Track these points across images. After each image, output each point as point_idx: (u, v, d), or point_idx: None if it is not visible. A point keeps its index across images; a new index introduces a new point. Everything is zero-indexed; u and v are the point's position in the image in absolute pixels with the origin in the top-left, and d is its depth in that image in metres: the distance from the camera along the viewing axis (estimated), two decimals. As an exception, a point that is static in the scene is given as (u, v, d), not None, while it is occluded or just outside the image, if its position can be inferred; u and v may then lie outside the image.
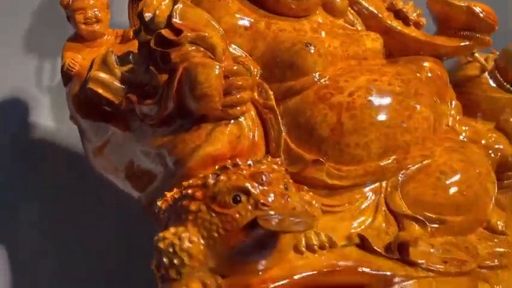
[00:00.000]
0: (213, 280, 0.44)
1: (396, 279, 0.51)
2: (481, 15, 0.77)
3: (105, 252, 0.86)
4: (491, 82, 0.90)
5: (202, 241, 0.42)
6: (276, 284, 0.46)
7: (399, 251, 0.53)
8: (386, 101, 0.61)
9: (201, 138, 0.59)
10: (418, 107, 0.62)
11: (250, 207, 0.41)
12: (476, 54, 0.86)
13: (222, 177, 0.45)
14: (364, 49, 0.69)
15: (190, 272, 0.44)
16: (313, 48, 0.64)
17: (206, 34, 0.59)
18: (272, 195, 0.43)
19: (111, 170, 0.75)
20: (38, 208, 0.93)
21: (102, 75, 0.64)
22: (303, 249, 0.51)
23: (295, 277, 0.47)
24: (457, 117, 0.81)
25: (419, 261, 0.53)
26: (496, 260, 0.57)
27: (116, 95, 0.65)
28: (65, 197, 0.93)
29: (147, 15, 0.60)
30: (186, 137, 0.60)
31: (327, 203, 0.59)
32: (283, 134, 0.63)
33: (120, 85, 0.64)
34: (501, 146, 0.83)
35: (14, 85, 0.91)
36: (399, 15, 0.77)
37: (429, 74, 0.77)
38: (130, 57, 0.67)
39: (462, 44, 0.79)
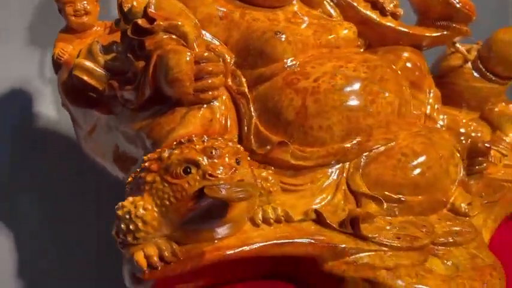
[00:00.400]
0: (168, 246, 0.48)
1: (347, 251, 0.53)
2: (458, 5, 0.79)
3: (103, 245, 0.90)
4: (474, 72, 0.91)
5: (155, 209, 0.47)
6: (230, 252, 0.49)
7: (351, 225, 0.56)
8: (350, 86, 0.64)
9: (175, 121, 0.63)
10: (382, 92, 0.65)
11: (198, 177, 0.45)
12: (458, 45, 0.88)
13: (175, 151, 0.49)
14: (337, 38, 0.72)
15: (145, 237, 0.48)
16: (283, 36, 0.67)
17: (179, 23, 0.63)
18: (221, 167, 0.47)
19: (101, 154, 0.80)
20: (38, 199, 0.97)
21: (87, 63, 0.69)
22: (259, 221, 0.55)
23: (248, 246, 0.50)
24: (436, 106, 0.82)
25: (371, 236, 0.55)
26: (450, 238, 0.59)
27: (100, 82, 0.70)
28: (65, 186, 0.98)
29: (126, 6, 0.64)
30: (162, 120, 0.64)
31: (291, 182, 0.62)
32: (254, 118, 0.67)
33: (103, 72, 0.69)
34: (478, 134, 0.85)
35: (17, 77, 0.96)
36: (376, 6, 0.79)
37: (407, 64, 0.79)
38: (114, 46, 0.72)
39: (439, 34, 0.81)
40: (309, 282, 0.56)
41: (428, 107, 0.82)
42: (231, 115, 0.67)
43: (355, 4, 0.79)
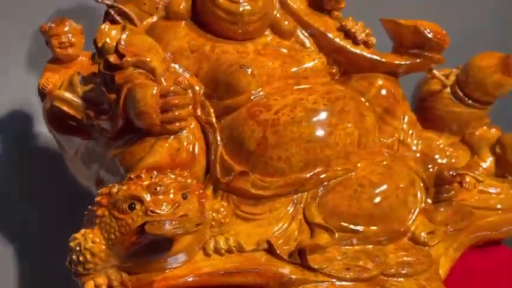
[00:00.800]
0: (118, 275, 0.52)
1: (293, 282, 0.56)
2: (429, 35, 0.80)
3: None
4: (453, 97, 0.92)
5: (103, 242, 0.50)
6: (178, 281, 0.52)
7: (299, 256, 0.58)
8: (309, 118, 0.67)
9: (145, 150, 0.67)
10: (340, 123, 0.67)
11: (141, 213, 0.49)
12: (434, 71, 0.89)
13: (123, 187, 0.53)
14: (304, 69, 0.75)
15: (94, 268, 0.51)
16: (248, 70, 0.70)
17: (147, 59, 0.67)
18: (164, 204, 0.50)
19: (85, 177, 0.84)
20: (38, 216, 1.03)
21: (66, 94, 0.74)
22: (211, 252, 0.58)
23: (197, 276, 0.53)
24: (410, 131, 0.84)
25: (319, 267, 0.58)
26: (401, 269, 0.61)
27: (78, 111, 0.74)
28: (63, 203, 1.03)
29: (100, 42, 0.69)
30: (133, 149, 0.68)
31: (251, 211, 0.65)
32: (220, 147, 0.70)
33: (81, 102, 0.73)
34: (453, 160, 0.86)
35: (16, 95, 1.02)
36: (349, 35, 0.82)
37: (382, 91, 0.82)
38: (93, 77, 0.76)
39: (410, 61, 0.83)
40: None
41: (402, 133, 0.83)
42: (199, 144, 0.70)
43: (327, 34, 0.81)
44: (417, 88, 0.98)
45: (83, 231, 0.52)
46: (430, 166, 0.75)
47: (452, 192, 0.76)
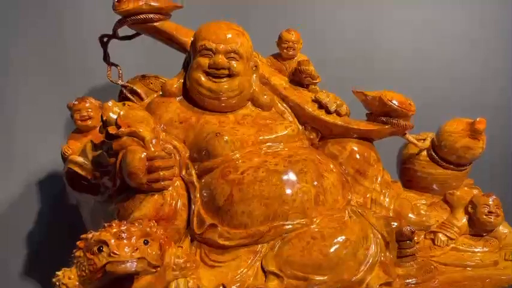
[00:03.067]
0: None
1: None
2: (394, 105, 0.90)
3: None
4: (429, 160, 1.00)
5: (77, 278, 0.63)
6: None
7: None
8: (269, 178, 0.78)
9: (135, 205, 0.81)
10: (298, 183, 0.77)
11: (106, 255, 0.61)
12: (408, 135, 0.98)
13: (96, 233, 0.66)
14: (276, 136, 0.87)
15: None
16: (225, 137, 0.84)
17: (139, 130, 0.82)
18: (126, 247, 0.63)
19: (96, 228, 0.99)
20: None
21: (79, 158, 0.90)
22: None
23: None
24: (383, 191, 0.92)
25: None
26: None
27: (88, 172, 0.90)
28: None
29: (104, 116, 0.85)
30: (126, 204, 0.82)
31: (217, 259, 0.76)
32: (198, 204, 0.82)
33: (90, 166, 0.89)
34: (423, 219, 0.92)
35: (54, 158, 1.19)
36: (321, 105, 0.94)
37: (354, 154, 0.92)
38: (101, 145, 0.92)
39: (377, 127, 0.93)
40: None
41: (374, 192, 0.92)
42: (182, 200, 0.83)
43: (303, 106, 0.93)
44: (399, 152, 1.06)
45: (63, 269, 0.65)
46: (393, 223, 0.81)
47: (415, 247, 0.82)
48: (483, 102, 1.38)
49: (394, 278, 0.76)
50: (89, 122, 0.99)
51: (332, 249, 0.73)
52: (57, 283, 0.62)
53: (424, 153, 0.98)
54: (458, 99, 1.34)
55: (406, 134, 0.96)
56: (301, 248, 0.73)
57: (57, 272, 0.64)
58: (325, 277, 0.72)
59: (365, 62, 1.35)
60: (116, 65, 1.01)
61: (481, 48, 1.41)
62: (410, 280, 0.79)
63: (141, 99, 1.00)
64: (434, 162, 0.97)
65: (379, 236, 0.79)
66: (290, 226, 0.75)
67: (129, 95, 1.00)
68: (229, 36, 0.84)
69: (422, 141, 0.98)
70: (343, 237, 0.74)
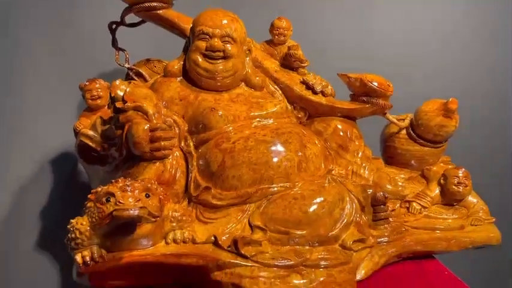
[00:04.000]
0: (99, 251, 0.75)
1: (227, 264, 0.76)
2: (374, 86, 1.00)
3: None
4: (408, 138, 1.10)
5: (88, 224, 0.74)
6: (138, 257, 0.74)
7: (234, 245, 0.78)
8: (257, 146, 0.88)
9: (139, 172, 0.91)
10: (282, 151, 0.88)
11: (113, 204, 0.72)
12: (388, 115, 1.08)
13: (104, 187, 0.76)
14: (266, 112, 0.97)
15: (81, 243, 0.75)
16: (219, 112, 0.94)
17: (143, 104, 0.93)
18: (130, 198, 0.73)
19: None
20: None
21: (89, 132, 1.01)
22: (170, 241, 0.79)
23: (153, 256, 0.75)
24: (363, 164, 1.02)
25: (250, 255, 0.77)
26: (319, 262, 0.78)
27: (97, 144, 1.01)
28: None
29: (112, 93, 0.96)
30: (131, 171, 0.92)
31: (210, 216, 0.86)
32: (195, 171, 0.93)
33: (99, 138, 1.00)
34: (399, 188, 1.02)
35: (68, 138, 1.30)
36: (308, 86, 1.04)
37: (337, 131, 1.02)
38: (110, 120, 1.03)
39: (358, 106, 1.03)
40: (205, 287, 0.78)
41: (355, 165, 1.02)
42: (181, 168, 0.93)
43: (292, 87, 1.04)
44: (382, 131, 1.16)
45: (76, 218, 0.76)
46: (368, 190, 0.91)
47: (388, 211, 0.92)
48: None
49: (367, 236, 0.86)
50: (99, 101, 1.10)
51: (311, 208, 0.82)
52: (71, 228, 0.73)
53: (404, 131, 1.07)
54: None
55: (386, 113, 1.05)
56: (284, 207, 0.83)
57: (71, 220, 0.74)
58: (304, 231, 0.82)
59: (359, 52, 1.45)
60: (123, 50, 1.12)
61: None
62: (382, 239, 0.88)
63: (146, 81, 1.10)
64: (412, 140, 1.06)
65: (355, 200, 0.88)
66: (275, 189, 0.85)
67: (134, 77, 1.11)
68: (224, 22, 0.94)
69: (402, 120, 1.07)
70: (321, 198, 0.84)
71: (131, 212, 0.69)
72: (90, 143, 0.99)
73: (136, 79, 1.10)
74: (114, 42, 1.10)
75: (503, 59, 1.55)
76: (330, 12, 1.45)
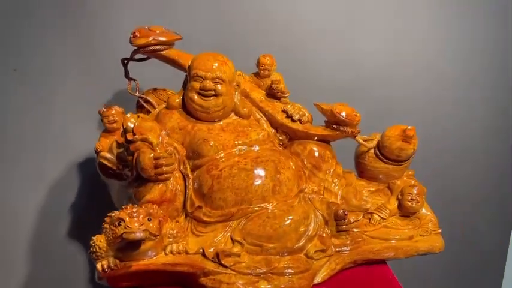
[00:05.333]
0: (114, 261, 0.99)
1: (211, 272, 0.99)
2: (342, 117, 1.20)
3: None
4: (375, 156, 1.30)
5: (105, 241, 0.98)
6: (143, 266, 0.98)
7: (217, 257, 1.02)
8: (240, 174, 1.10)
9: (146, 191, 1.14)
10: (259, 178, 1.10)
11: (122, 227, 0.96)
12: (357, 138, 1.28)
13: (117, 212, 1.00)
14: (250, 140, 1.18)
15: (100, 256, 0.99)
16: (211, 142, 1.16)
17: (149, 137, 1.15)
18: (136, 223, 0.97)
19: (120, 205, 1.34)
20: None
21: (107, 154, 1.24)
22: (168, 252, 1.03)
23: (154, 265, 0.99)
24: (334, 180, 1.23)
25: (229, 265, 1.00)
26: (283, 271, 1.01)
27: (114, 165, 1.24)
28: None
29: (124, 125, 1.19)
30: (140, 189, 1.15)
31: (201, 230, 1.09)
32: (191, 190, 1.15)
33: (115, 160, 1.24)
34: (362, 203, 1.23)
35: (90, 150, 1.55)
36: (288, 115, 1.24)
37: (312, 153, 1.23)
38: (123, 145, 1.26)
39: (329, 133, 1.23)
40: (194, 288, 1.02)
41: (326, 182, 1.23)
42: (180, 188, 1.16)
43: (274, 115, 1.24)
44: (355, 149, 1.36)
45: (96, 235, 1.00)
46: (332, 207, 1.13)
47: (349, 224, 1.13)
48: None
49: (328, 247, 1.07)
50: (115, 125, 1.32)
51: (279, 226, 1.04)
52: (92, 243, 0.98)
53: (372, 151, 1.27)
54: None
55: (356, 137, 1.25)
56: (259, 224, 1.05)
57: (92, 237, 0.99)
58: (274, 245, 1.04)
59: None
60: (134, 80, 1.33)
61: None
62: (343, 248, 1.10)
63: (153, 106, 1.32)
64: (378, 159, 1.25)
65: (320, 216, 1.10)
66: (253, 209, 1.07)
67: (144, 104, 1.33)
68: (215, 66, 1.14)
69: (370, 141, 1.26)
70: (290, 217, 1.05)
71: (137, 234, 0.92)
72: (108, 164, 1.23)
73: (146, 105, 1.32)
74: (126, 74, 1.32)
75: (494, 72, 1.70)
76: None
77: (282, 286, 0.96)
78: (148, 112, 1.31)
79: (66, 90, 1.55)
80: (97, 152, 1.29)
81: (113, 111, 1.30)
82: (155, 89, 1.32)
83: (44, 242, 1.60)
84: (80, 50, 1.54)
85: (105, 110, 1.31)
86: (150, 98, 1.32)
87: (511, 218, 1.83)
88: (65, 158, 1.60)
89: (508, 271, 1.83)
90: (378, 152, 1.24)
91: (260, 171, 1.08)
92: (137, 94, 1.31)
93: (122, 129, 1.17)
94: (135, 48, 1.24)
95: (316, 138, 1.21)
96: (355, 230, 1.15)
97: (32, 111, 1.54)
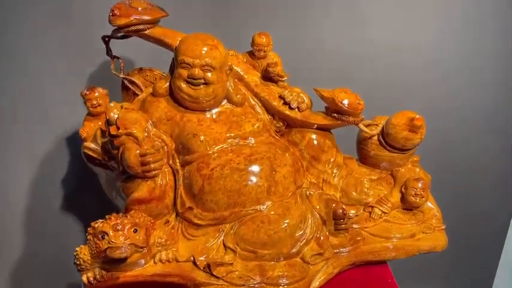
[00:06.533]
0: (99, 272, 0.94)
1: (202, 283, 0.95)
2: (344, 106, 1.10)
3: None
4: (379, 143, 1.21)
5: (89, 254, 0.93)
6: (131, 277, 0.94)
7: (208, 268, 0.96)
8: (232, 175, 1.02)
9: (134, 187, 1.08)
10: (253, 179, 1.02)
11: (106, 242, 0.90)
12: (360, 125, 1.19)
13: (100, 224, 0.94)
14: (244, 132, 1.09)
15: (86, 268, 0.94)
16: (201, 137, 1.07)
17: (134, 131, 1.06)
18: (121, 237, 0.91)
19: (111, 194, 1.28)
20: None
21: (91, 144, 1.16)
22: (157, 261, 0.98)
23: (142, 276, 0.94)
24: (333, 171, 1.16)
25: (221, 276, 0.96)
26: (278, 280, 0.96)
27: (100, 155, 1.17)
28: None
29: (107, 115, 1.09)
30: (128, 185, 1.09)
31: (192, 233, 1.03)
32: (181, 187, 1.08)
33: (100, 150, 1.16)
34: (364, 196, 1.16)
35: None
36: (285, 101, 1.14)
37: (311, 142, 1.14)
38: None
39: (330, 122, 1.13)
40: (185, 299, 0.98)
41: (325, 174, 1.15)
42: (170, 184, 1.09)
43: (270, 101, 1.14)
44: (357, 134, 1.27)
45: (80, 246, 0.95)
46: (332, 205, 1.06)
47: (348, 223, 1.07)
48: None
49: (325, 250, 1.02)
50: (99, 108, 1.22)
51: (274, 232, 0.98)
52: (76, 256, 0.92)
53: (375, 137, 1.18)
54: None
55: (358, 124, 1.16)
56: (253, 230, 0.99)
57: (76, 248, 0.93)
58: (269, 251, 0.99)
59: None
60: (118, 58, 1.22)
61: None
62: (341, 249, 1.04)
63: (139, 88, 1.22)
64: (382, 147, 1.17)
65: (318, 215, 1.04)
66: (247, 211, 1.01)
67: (129, 85, 1.22)
68: (204, 51, 1.03)
69: (375, 126, 1.17)
70: (285, 222, 0.99)
71: (121, 251, 0.87)
72: (93, 154, 1.15)
73: (131, 87, 1.22)
74: (108, 52, 1.20)
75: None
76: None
77: (279, 297, 0.91)
78: (135, 94, 1.20)
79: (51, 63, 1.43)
80: (81, 139, 1.20)
81: (96, 94, 1.20)
82: (141, 69, 1.21)
83: (37, 215, 1.57)
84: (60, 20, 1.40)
85: (87, 92, 1.21)
86: (136, 79, 1.20)
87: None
88: (54, 131, 1.51)
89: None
90: (382, 140, 1.16)
91: (254, 171, 1.01)
92: (121, 75, 1.21)
93: (105, 119, 1.07)
94: (115, 28, 1.11)
95: (315, 126, 1.11)
96: (354, 226, 1.09)
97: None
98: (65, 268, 1.61)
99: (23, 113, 1.49)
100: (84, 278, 0.92)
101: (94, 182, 1.42)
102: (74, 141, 1.56)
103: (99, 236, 0.88)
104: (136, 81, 1.21)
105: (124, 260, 0.91)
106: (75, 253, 0.93)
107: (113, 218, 0.91)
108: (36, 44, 1.44)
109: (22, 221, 1.61)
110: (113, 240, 0.87)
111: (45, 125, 1.50)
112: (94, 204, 1.51)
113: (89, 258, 0.91)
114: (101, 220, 0.93)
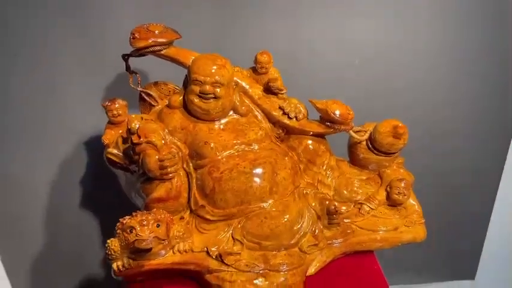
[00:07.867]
0: (127, 261, 1.11)
1: (215, 270, 1.12)
2: (336, 116, 1.27)
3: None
4: (367, 148, 1.38)
5: (119, 245, 1.10)
6: (154, 265, 1.11)
7: (220, 257, 1.14)
8: (239, 177, 1.19)
9: (153, 188, 1.24)
10: (257, 180, 1.19)
11: (134, 235, 1.07)
12: (350, 131, 1.35)
13: (128, 219, 1.11)
14: (249, 139, 1.26)
15: (116, 257, 1.11)
16: (211, 144, 1.24)
17: (153, 139, 1.23)
18: (147, 230, 1.08)
19: (131, 196, 1.45)
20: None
21: (114, 150, 1.32)
22: (176, 251, 1.15)
23: (164, 264, 1.11)
24: (327, 173, 1.33)
25: (230, 263, 1.12)
26: (279, 267, 1.14)
27: (121, 160, 1.33)
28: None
29: (129, 126, 1.26)
30: (147, 186, 1.25)
31: (205, 228, 1.20)
32: (194, 188, 1.25)
33: (122, 155, 1.32)
34: (354, 195, 1.33)
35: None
36: (284, 112, 1.31)
37: (310, 147, 1.31)
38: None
39: (324, 130, 1.30)
40: (201, 283, 1.15)
41: (320, 175, 1.32)
42: (184, 185, 1.26)
43: (271, 112, 1.31)
44: (348, 139, 1.44)
45: (111, 239, 1.12)
46: (326, 202, 1.23)
47: (340, 218, 1.24)
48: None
49: (320, 241, 1.19)
50: (119, 118, 1.39)
51: (275, 227, 1.15)
52: (108, 247, 1.09)
53: (364, 142, 1.34)
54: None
55: (348, 130, 1.32)
56: (257, 224, 1.16)
57: (107, 240, 1.10)
58: (272, 242, 1.15)
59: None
60: (136, 73, 1.38)
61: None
62: (334, 240, 1.22)
63: (156, 101, 1.38)
64: (370, 151, 1.34)
65: (313, 212, 1.21)
66: (251, 209, 1.18)
67: (146, 97, 1.39)
68: (213, 70, 1.19)
69: (364, 132, 1.33)
70: (285, 217, 1.16)
71: (147, 243, 1.04)
72: (115, 159, 1.32)
73: (148, 99, 1.38)
74: (127, 69, 1.37)
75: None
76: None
77: (278, 282, 1.08)
78: (151, 105, 1.37)
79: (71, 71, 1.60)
80: (104, 145, 1.36)
81: (117, 105, 1.36)
82: (156, 83, 1.37)
83: (58, 211, 1.73)
84: (79, 40, 1.56)
85: (108, 103, 1.36)
86: (152, 92, 1.37)
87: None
88: (74, 135, 1.67)
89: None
90: (369, 144, 1.32)
91: (258, 174, 1.17)
92: (139, 88, 1.36)
93: (127, 128, 1.24)
94: (134, 49, 1.27)
95: (311, 133, 1.28)
96: (345, 220, 1.25)
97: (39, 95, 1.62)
98: (82, 260, 1.78)
99: (48, 120, 1.65)
100: (115, 266, 1.09)
101: (110, 182, 1.60)
102: (92, 144, 1.73)
103: (128, 230, 1.05)
104: (153, 94, 1.38)
105: (149, 250, 1.07)
106: (106, 245, 1.09)
107: (138, 215, 1.07)
108: (59, 63, 1.61)
109: (44, 217, 1.78)
110: (139, 234, 1.04)
111: (66, 130, 1.67)
112: (110, 202, 1.68)
113: (119, 249, 1.07)
114: (128, 216, 1.09)
